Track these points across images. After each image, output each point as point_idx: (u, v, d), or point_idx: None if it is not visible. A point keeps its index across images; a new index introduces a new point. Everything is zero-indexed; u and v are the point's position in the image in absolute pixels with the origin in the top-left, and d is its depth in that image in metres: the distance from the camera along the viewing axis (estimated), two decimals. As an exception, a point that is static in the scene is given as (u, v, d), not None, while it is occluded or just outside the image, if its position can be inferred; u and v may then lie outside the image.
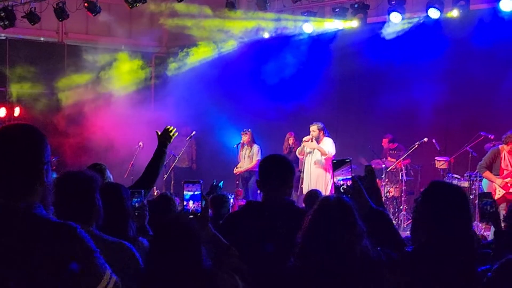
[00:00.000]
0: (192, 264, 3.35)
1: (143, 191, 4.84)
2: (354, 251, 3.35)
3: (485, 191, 9.95)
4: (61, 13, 13.25)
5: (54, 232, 2.64)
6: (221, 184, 7.60)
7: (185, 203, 3.89)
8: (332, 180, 4.03)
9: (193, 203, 3.86)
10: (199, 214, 3.84)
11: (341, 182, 3.81)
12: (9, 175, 2.65)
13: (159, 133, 6.03)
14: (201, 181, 3.90)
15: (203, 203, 3.87)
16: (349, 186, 3.78)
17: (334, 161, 3.88)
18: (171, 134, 6.03)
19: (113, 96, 16.47)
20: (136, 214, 4.65)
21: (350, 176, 3.80)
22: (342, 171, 3.82)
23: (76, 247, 2.65)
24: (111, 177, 6.18)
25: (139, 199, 4.72)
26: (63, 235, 2.64)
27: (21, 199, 2.65)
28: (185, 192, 3.88)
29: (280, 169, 4.33)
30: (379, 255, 3.43)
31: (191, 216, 3.80)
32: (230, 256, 3.79)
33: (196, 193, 3.87)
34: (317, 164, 12.31)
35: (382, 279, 3.42)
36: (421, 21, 13.32)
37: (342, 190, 3.77)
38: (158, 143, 5.96)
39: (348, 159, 3.85)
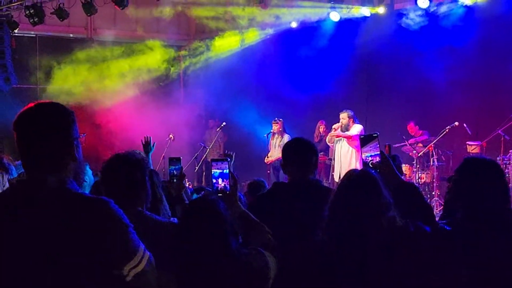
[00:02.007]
0: (219, 243, 3.34)
1: (181, 158, 4.83)
2: (380, 221, 3.35)
3: None
4: (89, 8, 13.32)
5: (87, 206, 2.66)
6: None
7: (214, 180, 3.89)
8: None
9: (222, 181, 3.87)
10: (228, 192, 3.85)
11: (370, 158, 3.79)
12: (42, 150, 2.69)
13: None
14: (229, 159, 3.90)
15: (232, 181, 3.88)
16: (377, 161, 3.77)
17: (362, 137, 3.87)
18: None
19: (142, 89, 16.57)
20: (174, 181, 4.67)
21: (378, 152, 3.78)
22: (370, 147, 3.80)
23: (110, 221, 2.67)
24: (151, 162, 6.31)
25: (177, 167, 4.72)
26: (96, 209, 2.66)
27: (54, 173, 2.69)
28: (213, 171, 3.89)
29: (302, 150, 4.43)
30: (407, 225, 3.41)
31: (220, 195, 3.81)
32: (261, 232, 3.78)
33: (225, 171, 3.87)
34: (347, 150, 12.28)
35: (409, 250, 3.41)
36: (451, 5, 13.21)
37: (370, 166, 3.76)
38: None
39: (375, 133, 3.83)
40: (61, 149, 2.73)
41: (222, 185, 3.87)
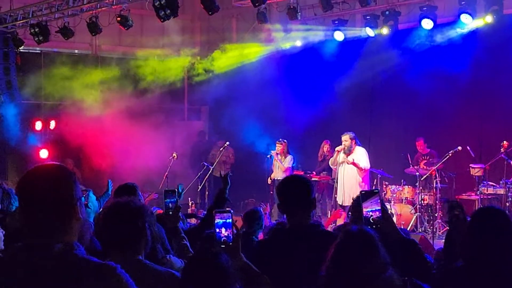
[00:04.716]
0: None
1: (176, 190, 4.87)
2: (377, 281, 3.35)
3: None
4: (94, 28, 13.38)
5: (94, 273, 2.66)
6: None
7: (217, 230, 3.92)
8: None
9: (225, 230, 3.90)
10: (230, 243, 3.88)
11: (370, 214, 3.82)
12: (47, 216, 2.69)
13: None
14: (232, 211, 3.94)
15: (235, 232, 3.91)
16: (378, 217, 3.80)
17: (363, 192, 3.89)
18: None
19: (146, 106, 16.55)
20: (170, 213, 4.74)
21: (379, 207, 3.81)
22: (371, 202, 3.82)
23: (116, 286, 2.68)
24: (142, 197, 6.29)
25: (173, 200, 4.77)
26: (103, 275, 2.67)
27: (59, 238, 2.69)
28: (216, 220, 3.92)
29: (300, 193, 4.29)
30: (405, 284, 3.42)
31: (223, 246, 3.83)
32: (262, 284, 3.81)
33: (227, 221, 3.91)
34: (350, 174, 12.28)
35: None
36: (454, 29, 13.23)
37: (371, 221, 3.79)
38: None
39: (376, 189, 3.88)
40: (66, 212, 2.73)
41: (225, 234, 3.90)
